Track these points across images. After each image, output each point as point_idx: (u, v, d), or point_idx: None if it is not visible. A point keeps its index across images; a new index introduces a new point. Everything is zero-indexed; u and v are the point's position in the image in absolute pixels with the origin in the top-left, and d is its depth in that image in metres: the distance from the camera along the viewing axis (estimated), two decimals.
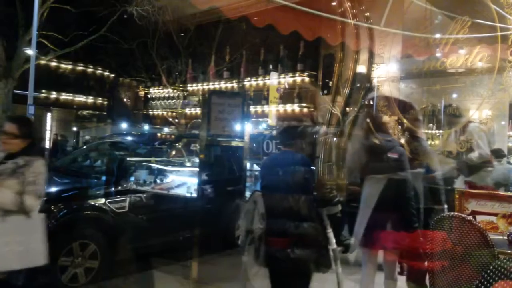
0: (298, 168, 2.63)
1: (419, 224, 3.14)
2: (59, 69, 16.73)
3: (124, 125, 14.02)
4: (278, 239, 2.55)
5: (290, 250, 2.48)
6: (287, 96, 10.60)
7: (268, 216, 2.64)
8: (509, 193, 3.62)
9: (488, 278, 1.81)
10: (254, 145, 6.60)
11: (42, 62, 13.95)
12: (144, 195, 4.73)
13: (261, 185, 2.86)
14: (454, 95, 6.35)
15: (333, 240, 2.61)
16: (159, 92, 15.34)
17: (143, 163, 5.41)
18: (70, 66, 16.96)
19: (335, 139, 2.83)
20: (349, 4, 2.74)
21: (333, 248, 2.61)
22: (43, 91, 15.79)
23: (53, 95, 16.71)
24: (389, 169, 3.15)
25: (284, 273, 2.63)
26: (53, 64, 16.05)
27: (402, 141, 3.70)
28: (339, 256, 2.65)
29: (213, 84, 12.97)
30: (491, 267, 1.84)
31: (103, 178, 4.71)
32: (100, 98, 18.01)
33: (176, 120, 14.53)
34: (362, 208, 3.17)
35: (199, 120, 13.00)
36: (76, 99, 17.53)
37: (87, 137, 16.26)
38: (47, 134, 17.92)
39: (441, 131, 6.35)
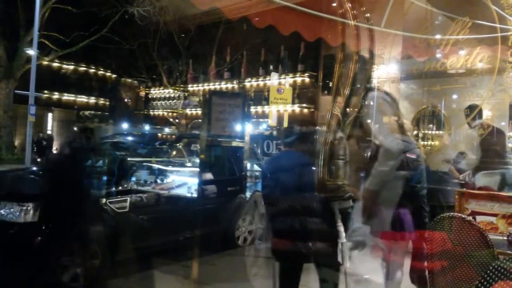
0: (311, 168, 2.79)
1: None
2: (61, 70, 16.76)
3: (125, 126, 14.04)
4: (299, 235, 2.68)
5: (312, 244, 2.64)
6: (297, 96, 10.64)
7: (286, 214, 2.75)
8: (508, 194, 3.63)
9: (488, 278, 1.82)
10: (255, 145, 6.60)
11: (44, 62, 13.98)
12: (145, 195, 4.74)
13: (269, 184, 2.92)
14: (455, 96, 6.35)
15: (343, 234, 2.70)
16: (160, 93, 15.37)
17: (144, 163, 5.42)
18: (71, 67, 16.98)
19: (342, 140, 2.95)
20: (350, 5, 2.75)
21: (343, 242, 2.67)
22: (45, 91, 15.82)
23: (55, 95, 16.74)
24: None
25: (300, 267, 2.83)
26: (55, 64, 16.08)
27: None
28: (347, 250, 2.72)
29: (213, 85, 12.99)
30: (490, 268, 1.84)
31: (104, 178, 4.72)
32: (102, 99, 18.04)
33: (177, 121, 14.55)
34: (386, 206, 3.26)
35: (200, 120, 13.02)
36: (78, 99, 17.55)
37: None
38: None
39: (441, 132, 6.37)
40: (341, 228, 2.71)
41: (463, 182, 4.96)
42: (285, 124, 9.00)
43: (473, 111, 5.22)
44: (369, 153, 3.63)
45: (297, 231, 2.69)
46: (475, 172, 4.72)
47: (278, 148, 6.65)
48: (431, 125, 6.49)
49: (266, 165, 3.26)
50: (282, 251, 2.81)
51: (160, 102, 15.28)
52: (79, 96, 17.54)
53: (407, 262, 3.46)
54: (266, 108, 11.09)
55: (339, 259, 2.69)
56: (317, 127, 3.08)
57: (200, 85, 13.50)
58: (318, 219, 2.68)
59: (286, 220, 2.75)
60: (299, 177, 2.76)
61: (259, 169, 6.29)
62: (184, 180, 5.33)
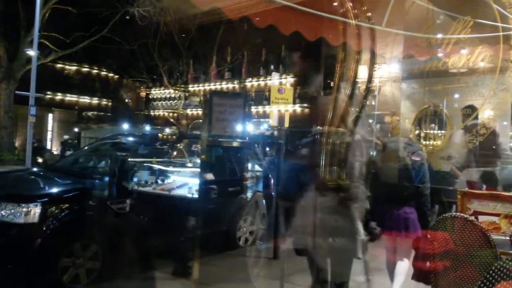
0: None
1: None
2: (63, 71, 16.78)
3: (126, 126, 14.06)
4: (321, 232, 2.77)
5: (332, 240, 2.73)
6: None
7: (309, 212, 2.82)
8: (511, 194, 3.62)
9: (490, 278, 1.80)
10: (255, 145, 6.58)
11: (45, 63, 13.99)
12: (146, 196, 4.73)
13: (285, 183, 2.97)
14: (456, 96, 6.31)
15: (362, 231, 2.78)
16: (160, 93, 15.37)
17: (145, 164, 5.41)
18: (72, 67, 17.00)
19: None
20: (351, 4, 2.74)
21: (361, 238, 2.77)
22: (47, 92, 15.84)
23: (57, 96, 16.77)
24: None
25: (324, 260, 2.92)
26: (56, 65, 16.11)
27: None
28: (366, 245, 2.77)
29: (214, 85, 13.00)
30: (493, 268, 1.82)
31: (105, 178, 4.71)
32: (104, 99, 18.07)
33: (178, 121, 14.55)
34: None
35: (200, 120, 13.02)
36: (78, 100, 17.57)
37: (66, 137, 16.27)
38: (49, 135, 17.97)
39: (443, 131, 6.34)
40: (359, 226, 2.78)
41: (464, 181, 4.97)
42: (286, 124, 8.99)
43: (473, 111, 5.26)
44: (374, 153, 3.64)
45: (318, 228, 2.77)
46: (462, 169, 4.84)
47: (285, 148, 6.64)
48: (433, 125, 6.47)
49: (285, 164, 3.36)
50: (303, 248, 2.89)
51: (161, 102, 15.29)
52: (80, 96, 17.58)
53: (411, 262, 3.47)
54: (267, 108, 11.08)
55: (359, 255, 2.77)
56: (322, 128, 3.10)
57: (200, 85, 13.51)
58: (338, 216, 2.76)
59: (309, 217, 2.83)
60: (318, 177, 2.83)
61: (260, 169, 6.28)
62: (185, 181, 5.32)
